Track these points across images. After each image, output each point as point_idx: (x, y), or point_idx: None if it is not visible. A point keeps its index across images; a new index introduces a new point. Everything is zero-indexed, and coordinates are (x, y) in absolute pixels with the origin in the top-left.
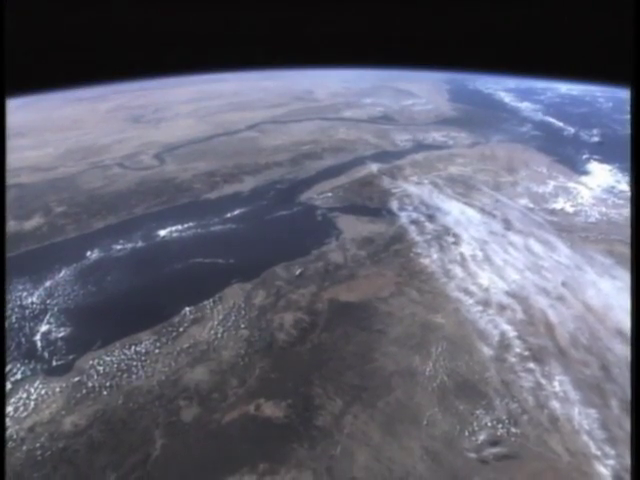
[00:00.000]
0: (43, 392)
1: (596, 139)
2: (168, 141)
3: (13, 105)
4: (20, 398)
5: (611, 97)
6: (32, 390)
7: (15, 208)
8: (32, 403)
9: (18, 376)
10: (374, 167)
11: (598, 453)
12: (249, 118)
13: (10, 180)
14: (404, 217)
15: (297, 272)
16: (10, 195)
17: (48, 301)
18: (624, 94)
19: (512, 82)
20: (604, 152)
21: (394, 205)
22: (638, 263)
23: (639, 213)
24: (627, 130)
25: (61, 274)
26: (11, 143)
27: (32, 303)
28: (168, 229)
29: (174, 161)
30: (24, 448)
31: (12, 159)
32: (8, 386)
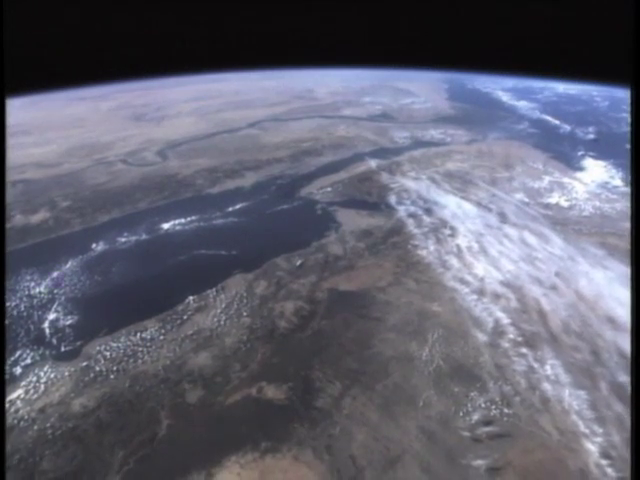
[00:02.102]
0: (52, 376)
1: (591, 136)
2: (170, 138)
3: (17, 104)
4: (30, 382)
5: (608, 96)
6: (42, 374)
7: (21, 203)
8: (42, 386)
9: (28, 361)
10: (373, 163)
11: (587, 431)
12: (250, 116)
13: (16, 176)
14: (402, 211)
15: (298, 263)
16: (16, 190)
17: (55, 291)
18: (621, 93)
19: (510, 82)
20: (599, 149)
21: (392, 199)
22: (638, 261)
23: (639, 211)
24: (622, 128)
25: (67, 265)
26: (16, 140)
27: (40, 293)
28: (171, 222)
29: (176, 157)
30: (35, 427)
31: (17, 156)
32: (19, 370)
